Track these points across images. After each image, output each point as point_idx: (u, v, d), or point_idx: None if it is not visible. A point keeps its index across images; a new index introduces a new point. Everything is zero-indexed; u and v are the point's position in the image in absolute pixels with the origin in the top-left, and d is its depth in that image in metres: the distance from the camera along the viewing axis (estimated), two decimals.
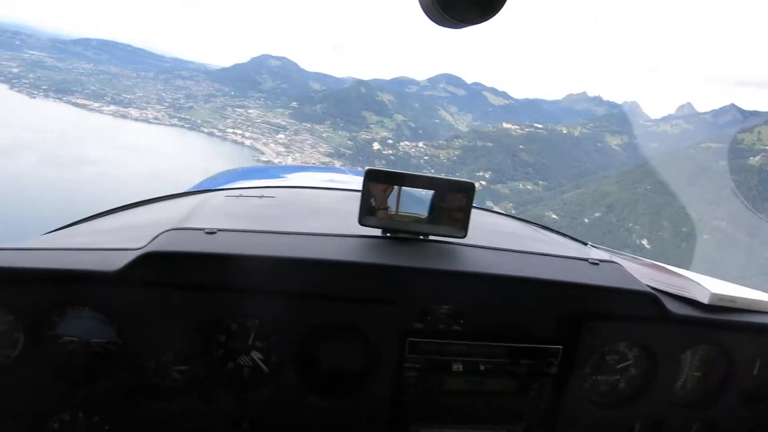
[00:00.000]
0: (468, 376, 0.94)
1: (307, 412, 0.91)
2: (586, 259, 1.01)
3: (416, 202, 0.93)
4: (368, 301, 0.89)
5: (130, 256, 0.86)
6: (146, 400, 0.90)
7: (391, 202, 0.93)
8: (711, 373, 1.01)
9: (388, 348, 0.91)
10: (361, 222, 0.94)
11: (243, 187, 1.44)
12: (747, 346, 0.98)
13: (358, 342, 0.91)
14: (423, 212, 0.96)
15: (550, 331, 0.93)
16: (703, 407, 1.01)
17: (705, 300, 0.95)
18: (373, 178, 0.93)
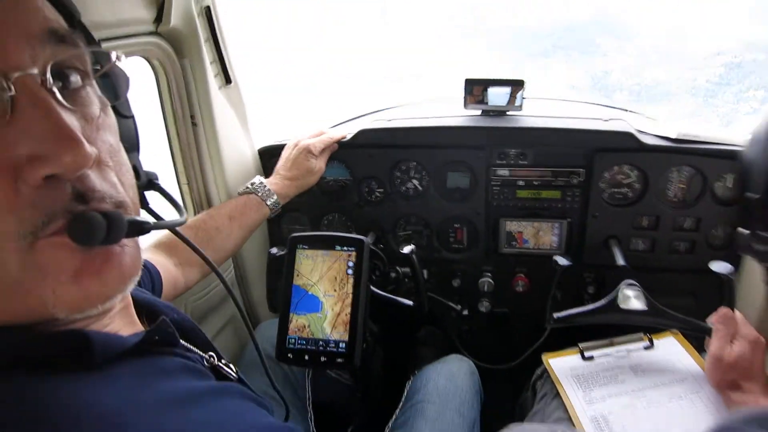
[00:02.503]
0: (528, 189, 1.58)
1: (443, 210, 1.65)
2: (600, 118, 1.58)
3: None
4: (470, 147, 1.57)
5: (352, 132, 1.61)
6: (364, 208, 1.68)
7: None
8: (692, 186, 1.50)
9: (481, 173, 1.59)
10: (465, 107, 1.59)
11: None
12: (716, 166, 1.46)
13: (467, 170, 1.60)
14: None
15: (577, 160, 1.53)
16: (688, 207, 1.51)
17: (673, 135, 1.47)
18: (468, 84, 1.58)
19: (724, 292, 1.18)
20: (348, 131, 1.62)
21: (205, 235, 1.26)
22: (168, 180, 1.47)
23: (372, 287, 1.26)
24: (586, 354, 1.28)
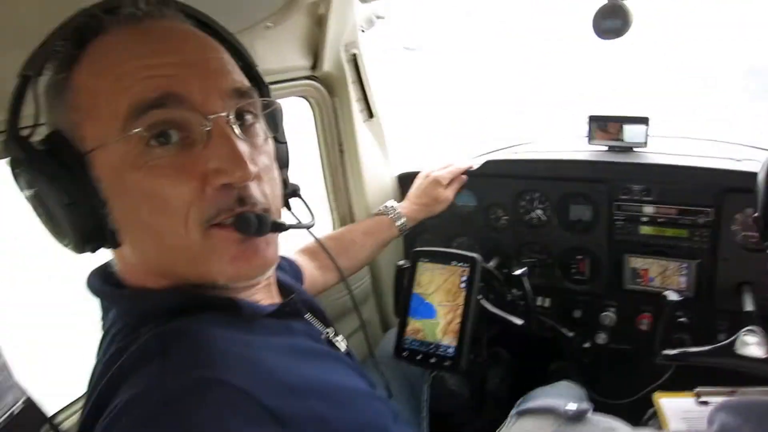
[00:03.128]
0: (652, 225, 1.56)
1: (565, 241, 1.68)
2: (733, 158, 1.51)
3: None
4: (593, 181, 1.59)
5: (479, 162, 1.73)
6: (490, 233, 1.79)
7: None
8: None
9: (603, 207, 1.60)
10: (589, 142, 1.64)
11: None
12: None
13: (589, 203, 1.62)
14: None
15: (706, 199, 1.47)
16: None
17: None
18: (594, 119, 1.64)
19: None
20: (475, 162, 1.73)
21: (343, 245, 1.47)
22: (317, 196, 1.75)
23: (484, 302, 1.35)
24: (702, 399, 1.20)
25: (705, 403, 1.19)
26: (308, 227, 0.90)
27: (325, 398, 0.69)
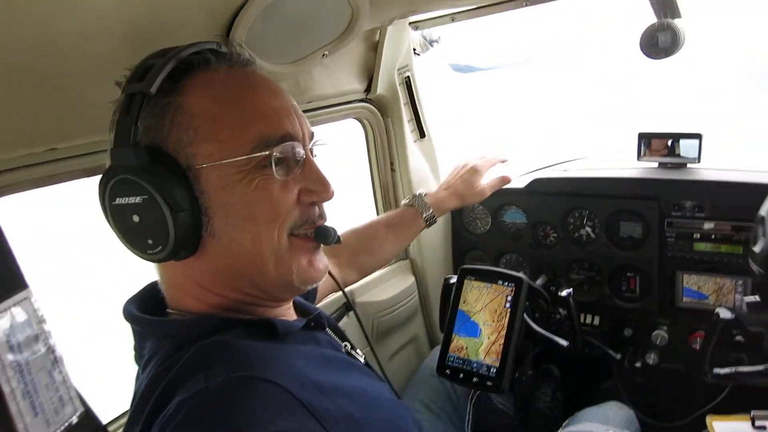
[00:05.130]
0: (706, 242, 1.53)
1: (614, 258, 1.66)
2: None
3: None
4: (642, 198, 1.58)
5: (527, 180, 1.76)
6: (539, 250, 1.79)
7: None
8: None
9: (654, 224, 1.57)
10: (639, 159, 1.64)
11: None
12: None
13: (639, 219, 1.60)
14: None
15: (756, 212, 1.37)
16: None
17: None
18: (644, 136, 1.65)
19: None
20: (523, 179, 1.74)
21: (363, 240, 1.46)
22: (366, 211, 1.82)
23: (531, 322, 1.36)
24: (758, 423, 1.14)
25: (762, 428, 1.14)
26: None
27: (353, 399, 0.76)
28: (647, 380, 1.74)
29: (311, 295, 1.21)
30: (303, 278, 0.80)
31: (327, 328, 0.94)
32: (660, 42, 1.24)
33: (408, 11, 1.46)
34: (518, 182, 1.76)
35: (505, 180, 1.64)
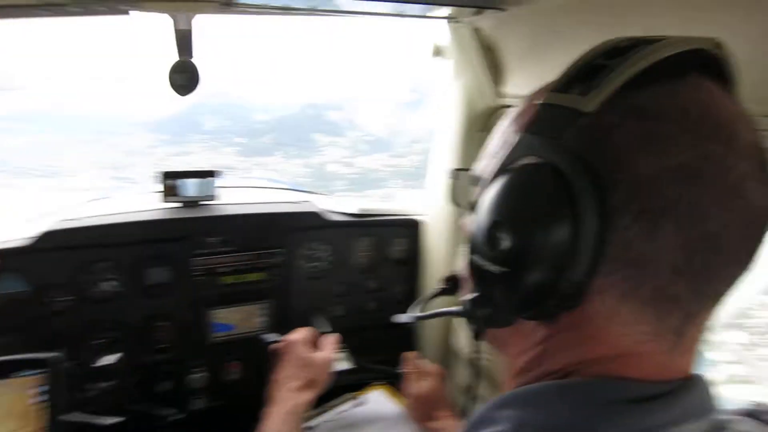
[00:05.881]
0: (234, 274, 1.58)
1: (143, 309, 1.53)
2: (292, 201, 1.72)
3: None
4: (171, 240, 1.51)
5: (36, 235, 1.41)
6: (48, 320, 1.44)
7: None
8: (373, 252, 1.71)
9: (183, 265, 1.53)
10: (164, 200, 1.57)
11: None
12: (390, 233, 1.72)
13: (167, 264, 1.53)
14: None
15: (276, 240, 1.60)
16: (373, 271, 1.72)
17: (355, 211, 1.69)
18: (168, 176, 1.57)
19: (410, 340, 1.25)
20: (29, 238, 1.41)
21: None
22: None
23: (75, 415, 1.21)
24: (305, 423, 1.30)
25: (310, 428, 1.34)
26: None
27: None
28: (200, 428, 1.65)
29: None
30: None
31: None
32: (179, 79, 1.26)
33: None
34: (21, 240, 1.41)
35: None
